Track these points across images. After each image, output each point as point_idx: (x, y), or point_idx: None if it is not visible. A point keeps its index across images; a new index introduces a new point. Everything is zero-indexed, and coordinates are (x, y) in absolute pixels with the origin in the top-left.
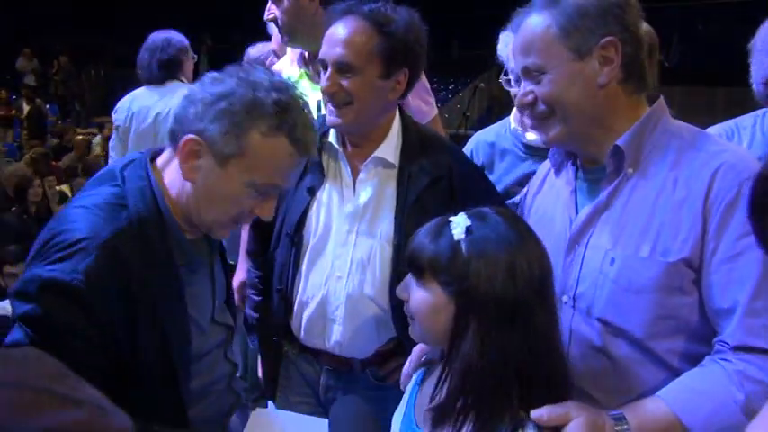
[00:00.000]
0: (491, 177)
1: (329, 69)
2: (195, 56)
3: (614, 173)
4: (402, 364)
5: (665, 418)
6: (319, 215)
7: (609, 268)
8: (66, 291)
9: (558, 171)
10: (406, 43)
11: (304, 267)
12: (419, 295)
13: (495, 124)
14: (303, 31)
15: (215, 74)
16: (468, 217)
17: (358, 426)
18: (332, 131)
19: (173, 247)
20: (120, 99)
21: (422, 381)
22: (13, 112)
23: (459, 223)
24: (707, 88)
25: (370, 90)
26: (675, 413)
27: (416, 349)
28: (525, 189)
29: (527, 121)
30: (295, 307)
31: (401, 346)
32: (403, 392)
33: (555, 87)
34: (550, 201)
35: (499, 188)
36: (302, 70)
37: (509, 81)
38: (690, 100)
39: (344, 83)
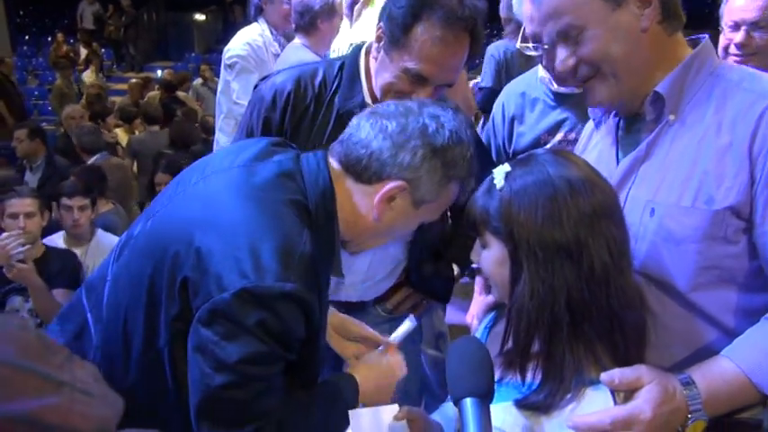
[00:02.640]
0: (521, 128)
1: None
2: None
3: (654, 121)
4: (409, 296)
5: (736, 378)
6: None
7: (649, 219)
8: (300, 302)
9: (598, 124)
10: None
11: None
12: (484, 254)
13: (525, 74)
14: None
15: (408, 108)
16: (511, 164)
17: None
18: (365, 90)
19: (335, 261)
20: (172, 44)
21: (493, 325)
22: (72, 55)
23: (499, 171)
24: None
25: None
26: (746, 373)
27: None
28: (559, 136)
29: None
30: None
31: (408, 280)
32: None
33: (598, 43)
34: (594, 158)
35: (530, 137)
36: None
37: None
38: None
39: None
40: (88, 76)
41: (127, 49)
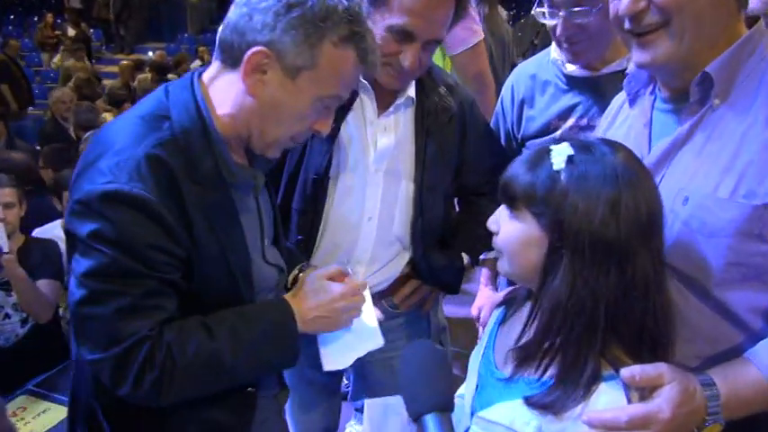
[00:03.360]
0: (531, 112)
1: None
2: None
3: (698, 103)
4: (417, 289)
5: (757, 383)
6: (346, 156)
7: (681, 208)
8: (131, 201)
9: (632, 101)
10: None
11: (329, 213)
12: (511, 227)
13: (537, 54)
14: None
15: None
16: (572, 146)
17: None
18: None
19: (219, 163)
20: (164, 24)
21: (503, 320)
22: (59, 34)
23: (560, 152)
24: None
25: None
26: None
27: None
28: (570, 122)
29: (627, 37)
30: (318, 255)
31: (414, 271)
32: (417, 315)
33: None
34: (621, 136)
35: (540, 122)
36: None
37: (543, 13)
38: None
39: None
40: (58, 60)
41: (117, 30)
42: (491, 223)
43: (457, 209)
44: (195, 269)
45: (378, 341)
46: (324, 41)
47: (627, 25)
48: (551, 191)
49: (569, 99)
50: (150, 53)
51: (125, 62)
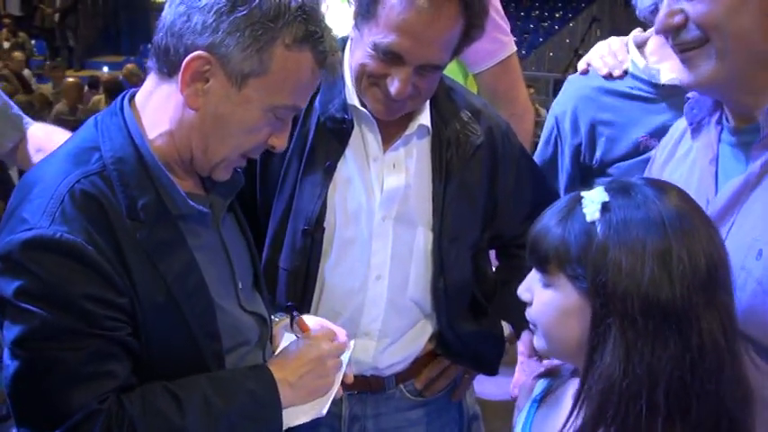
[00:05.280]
0: (610, 131)
1: None
2: None
3: None
4: (445, 370)
5: None
6: (344, 201)
7: (754, 263)
8: (56, 247)
9: (695, 131)
10: None
11: (326, 273)
12: (544, 296)
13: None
14: None
15: None
16: (607, 190)
17: None
18: (350, 88)
19: (160, 193)
20: (124, 33)
21: (542, 398)
22: None
23: (592, 199)
24: None
25: None
26: None
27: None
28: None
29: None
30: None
31: (441, 346)
32: (446, 403)
33: (718, 6)
34: (683, 172)
35: (627, 143)
36: None
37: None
38: None
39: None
40: None
41: (64, 40)
42: (522, 291)
43: (494, 264)
44: (140, 323)
45: (321, 411)
46: (275, 44)
47: (667, 40)
48: (587, 247)
49: (662, 113)
50: (105, 68)
51: (71, 80)
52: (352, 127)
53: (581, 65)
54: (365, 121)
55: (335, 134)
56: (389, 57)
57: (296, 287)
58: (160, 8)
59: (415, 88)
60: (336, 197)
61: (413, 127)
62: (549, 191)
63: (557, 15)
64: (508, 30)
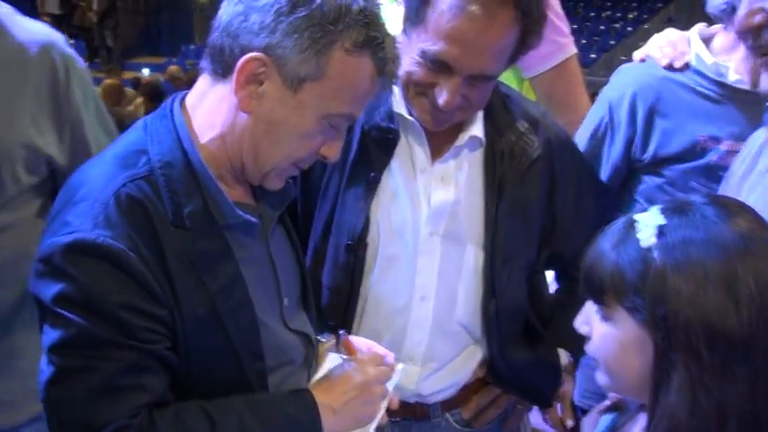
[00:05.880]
0: (668, 123)
1: None
2: None
3: None
4: (495, 399)
5: None
6: (388, 215)
7: None
8: (96, 252)
9: None
10: None
11: (370, 292)
12: (603, 330)
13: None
14: None
15: None
16: (662, 212)
17: None
18: (397, 95)
19: (208, 201)
20: (165, 33)
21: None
22: None
23: (647, 222)
24: None
25: None
26: None
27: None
28: (725, 146)
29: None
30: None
31: (491, 374)
32: None
33: None
34: (765, 188)
35: (684, 140)
36: None
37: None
38: None
39: None
40: None
41: (102, 40)
42: (580, 324)
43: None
44: (180, 336)
45: None
46: (334, 47)
47: (746, 42)
48: (644, 276)
49: (727, 116)
50: (145, 70)
51: (109, 81)
52: (399, 137)
53: (637, 56)
54: (412, 130)
55: (380, 144)
56: (437, 65)
57: (338, 305)
58: (203, 8)
59: (464, 99)
60: (380, 211)
61: (464, 138)
62: (615, 211)
63: (630, 16)
64: (567, 30)
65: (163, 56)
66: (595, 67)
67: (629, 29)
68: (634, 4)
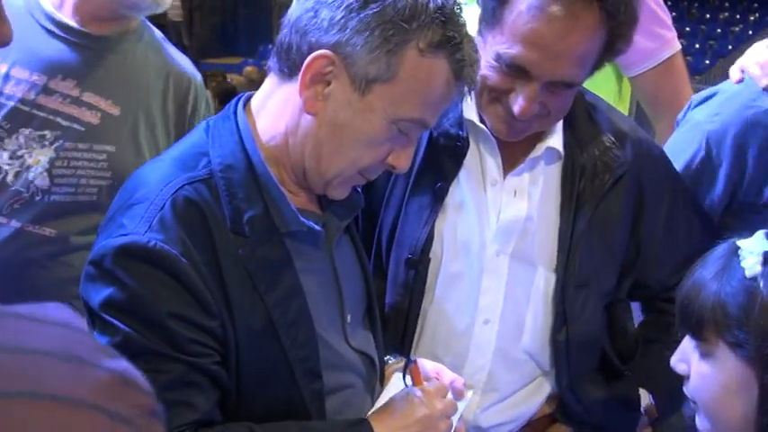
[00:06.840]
0: None
1: None
2: None
3: None
4: None
5: None
6: (453, 229)
7: None
8: (147, 257)
9: None
10: None
11: (430, 311)
12: (702, 369)
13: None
14: None
15: None
16: None
17: None
18: (468, 100)
19: (269, 207)
20: (242, 31)
21: None
22: None
23: (751, 250)
24: None
25: None
26: None
27: None
28: None
29: None
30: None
31: (560, 410)
32: None
33: None
34: None
35: None
36: None
37: None
38: None
39: None
40: None
41: (178, 38)
42: (676, 363)
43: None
44: (231, 351)
45: None
46: (407, 47)
47: None
48: (748, 309)
49: None
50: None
51: None
52: (468, 145)
53: (733, 71)
54: (483, 139)
55: (449, 152)
56: (514, 70)
57: (396, 325)
58: (282, 6)
59: (542, 107)
60: (445, 224)
61: (540, 149)
62: (712, 236)
63: (751, 18)
64: (670, 23)
65: (240, 56)
66: (710, 75)
67: (750, 32)
68: (755, 5)
